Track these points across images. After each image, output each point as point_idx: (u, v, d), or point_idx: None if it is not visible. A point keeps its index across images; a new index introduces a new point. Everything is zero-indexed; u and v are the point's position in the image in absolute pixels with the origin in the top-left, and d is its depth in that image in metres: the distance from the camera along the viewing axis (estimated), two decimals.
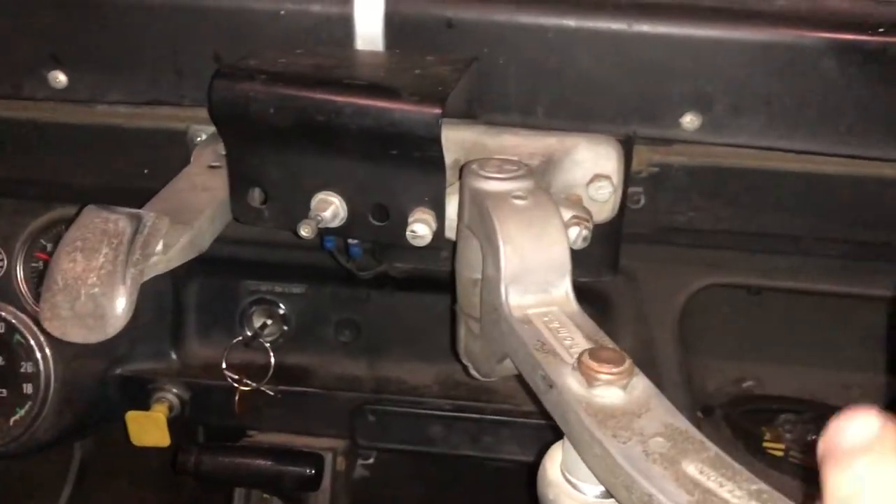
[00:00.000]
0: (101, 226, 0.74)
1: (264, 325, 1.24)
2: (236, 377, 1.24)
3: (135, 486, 1.39)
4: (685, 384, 1.16)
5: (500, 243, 0.69)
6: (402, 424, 1.22)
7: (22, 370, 1.23)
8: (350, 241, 0.99)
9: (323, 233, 0.85)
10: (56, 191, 1.13)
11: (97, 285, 0.71)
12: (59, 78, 0.97)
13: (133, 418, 1.24)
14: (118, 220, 0.75)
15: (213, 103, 0.82)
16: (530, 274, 0.69)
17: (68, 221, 1.14)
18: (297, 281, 1.22)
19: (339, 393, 1.24)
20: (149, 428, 1.23)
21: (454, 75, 0.83)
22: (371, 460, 1.47)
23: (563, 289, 0.69)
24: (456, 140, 0.87)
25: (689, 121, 0.88)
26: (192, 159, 0.97)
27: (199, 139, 1.04)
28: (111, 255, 0.72)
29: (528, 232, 0.70)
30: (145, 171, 1.08)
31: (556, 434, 0.59)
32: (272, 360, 1.24)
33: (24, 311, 1.23)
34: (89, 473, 1.36)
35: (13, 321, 1.23)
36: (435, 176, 0.80)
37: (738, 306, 1.24)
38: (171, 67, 0.97)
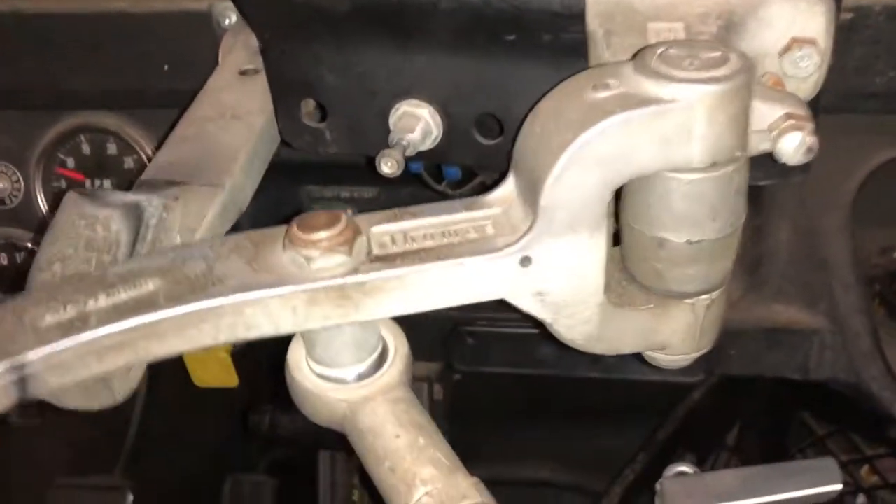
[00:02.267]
0: (86, 232, 0.50)
1: None
2: None
3: (197, 452, 1.23)
4: (857, 282, 0.91)
5: None
6: (505, 346, 1.05)
7: None
8: None
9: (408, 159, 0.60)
10: (64, 99, 0.94)
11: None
12: None
13: (192, 357, 1.06)
14: (108, 220, 0.51)
15: None
16: None
17: (89, 129, 0.95)
18: (367, 183, 1.00)
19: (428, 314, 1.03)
20: (211, 367, 1.06)
21: None
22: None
23: None
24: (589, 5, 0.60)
25: None
26: (219, 59, 0.72)
27: (226, 22, 0.78)
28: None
29: None
30: (165, 67, 0.84)
31: None
32: None
33: None
34: (147, 440, 1.21)
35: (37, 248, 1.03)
36: (573, 66, 0.54)
37: None
38: None
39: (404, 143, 0.57)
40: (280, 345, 0.51)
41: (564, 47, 0.52)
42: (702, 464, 1.17)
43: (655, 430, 1.11)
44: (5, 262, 1.05)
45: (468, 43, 0.55)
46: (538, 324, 0.51)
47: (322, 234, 0.46)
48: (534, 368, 1.04)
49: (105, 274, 0.47)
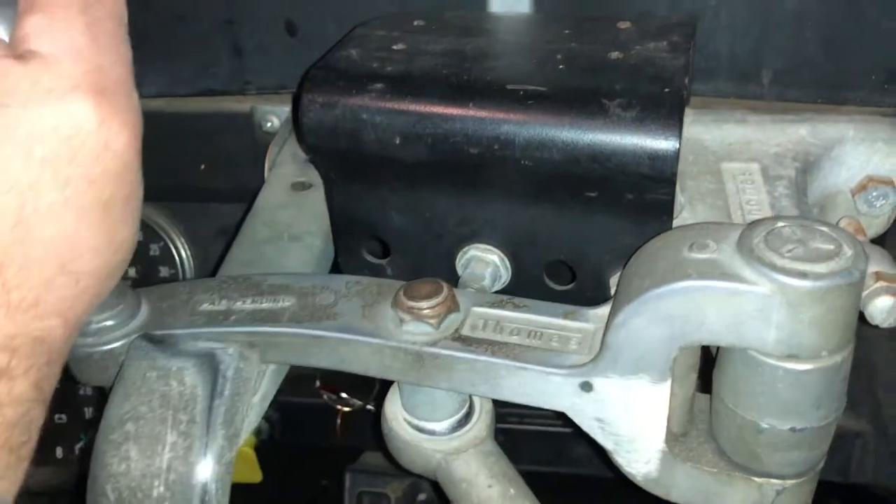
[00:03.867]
0: (159, 388, 0.48)
1: None
2: (333, 395, 1.00)
3: None
4: None
5: None
6: (538, 444, 0.99)
7: (80, 392, 1.04)
8: None
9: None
10: None
11: (167, 498, 0.46)
12: None
13: None
14: (182, 373, 0.49)
15: (305, 129, 0.54)
16: None
17: None
18: None
19: None
20: (235, 464, 1.02)
21: (676, 58, 0.53)
22: None
23: None
24: None
25: None
26: (266, 174, 0.70)
27: (268, 125, 0.76)
28: (182, 443, 0.46)
29: None
30: (202, 166, 0.82)
31: None
32: None
33: None
34: None
35: None
36: (656, 222, 0.52)
37: None
38: (228, 44, 0.71)
39: (475, 288, 0.55)
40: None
41: (647, 206, 0.50)
42: None
43: None
44: None
45: (545, 196, 0.53)
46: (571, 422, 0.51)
47: (419, 303, 0.50)
48: (568, 468, 1.00)
49: (262, 281, 0.55)
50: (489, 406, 0.57)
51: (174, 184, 0.85)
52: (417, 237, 0.58)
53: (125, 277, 0.99)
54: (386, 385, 0.99)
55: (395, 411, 0.57)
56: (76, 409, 1.02)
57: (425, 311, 0.49)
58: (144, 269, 0.95)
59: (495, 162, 0.51)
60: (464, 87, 0.52)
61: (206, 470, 0.46)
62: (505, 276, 0.57)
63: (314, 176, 0.69)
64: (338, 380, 1.01)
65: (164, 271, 0.95)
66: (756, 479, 0.48)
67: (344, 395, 1.00)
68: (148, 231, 0.93)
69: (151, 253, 0.95)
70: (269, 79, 0.73)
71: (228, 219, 0.93)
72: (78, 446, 1.05)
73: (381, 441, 0.59)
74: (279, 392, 1.03)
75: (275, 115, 0.77)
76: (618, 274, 0.54)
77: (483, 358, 0.48)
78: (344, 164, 0.56)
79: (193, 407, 0.48)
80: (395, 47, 0.57)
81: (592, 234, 0.54)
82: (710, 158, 0.59)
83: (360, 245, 0.60)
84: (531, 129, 0.50)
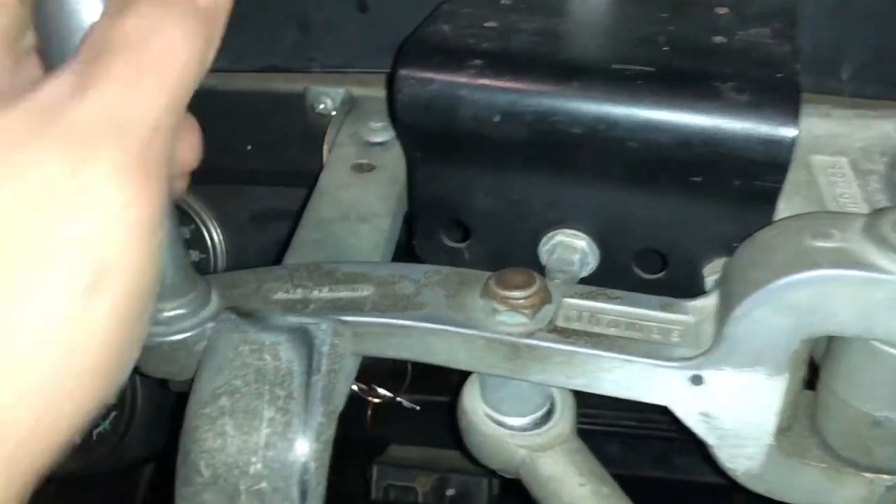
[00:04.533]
0: (254, 362, 0.46)
1: None
2: (364, 385, 0.98)
3: None
4: None
5: None
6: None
7: None
8: None
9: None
10: None
11: (264, 476, 0.44)
12: None
13: None
14: (276, 348, 0.47)
15: (399, 105, 0.52)
16: None
17: None
18: None
19: None
20: None
21: (781, 44, 0.52)
22: None
23: None
24: None
25: None
26: (325, 156, 0.68)
27: (320, 107, 0.74)
28: (280, 418, 0.44)
29: None
30: (248, 147, 0.79)
31: None
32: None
33: None
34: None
35: None
36: (760, 212, 0.51)
37: None
38: (294, 19, 0.69)
39: (562, 276, 0.54)
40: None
41: (754, 193, 0.49)
42: None
43: None
44: None
45: (646, 179, 0.51)
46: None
47: (513, 293, 0.48)
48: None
49: (335, 269, 0.53)
50: (571, 402, 0.56)
51: (212, 164, 0.83)
52: (501, 220, 0.56)
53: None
54: (419, 377, 0.98)
55: (474, 406, 0.55)
56: None
57: (520, 301, 0.48)
58: None
59: (598, 143, 0.50)
60: (567, 65, 0.51)
61: (305, 447, 0.45)
62: (592, 263, 0.56)
63: (375, 157, 0.68)
64: (369, 371, 0.99)
65: (193, 255, 0.92)
66: (866, 474, 0.47)
67: (375, 386, 0.99)
68: (179, 213, 0.91)
69: (182, 236, 0.93)
70: (334, 57, 0.71)
71: (262, 203, 0.91)
72: (96, 431, 1.02)
73: (457, 435, 0.57)
74: None
75: (328, 97, 0.75)
76: (712, 263, 0.53)
77: (586, 350, 0.47)
78: (434, 143, 0.54)
79: (290, 382, 0.46)
80: (486, 25, 0.56)
81: (690, 221, 0.52)
82: (800, 151, 0.58)
83: (439, 227, 0.59)
84: (641, 110, 0.48)
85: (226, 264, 0.92)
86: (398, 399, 0.99)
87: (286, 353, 0.47)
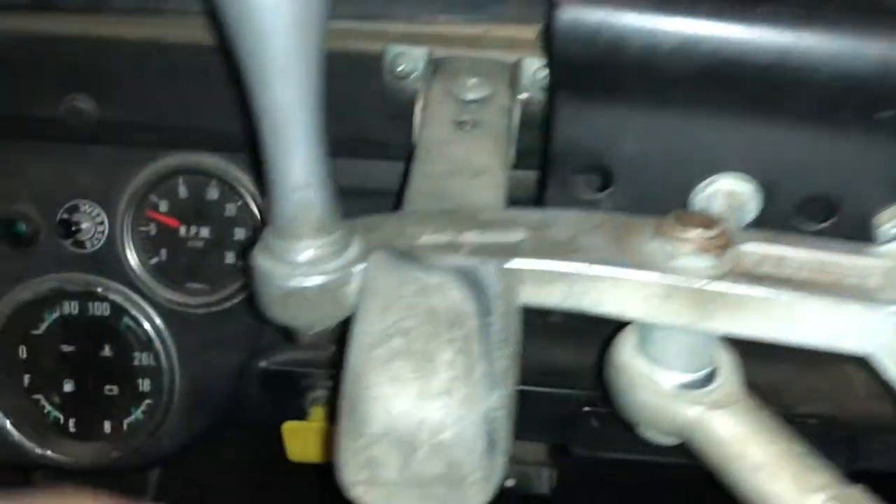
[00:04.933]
0: (423, 302, 0.42)
1: None
2: None
3: None
4: None
5: None
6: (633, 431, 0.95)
7: (136, 362, 0.94)
8: None
9: None
10: (179, 136, 0.83)
11: (446, 426, 0.40)
12: None
13: (292, 431, 0.94)
14: (444, 287, 0.42)
15: (559, 37, 0.48)
16: None
17: (189, 170, 0.84)
18: None
19: (550, 391, 0.94)
20: (311, 441, 0.94)
21: None
22: None
23: None
24: None
25: None
26: (419, 111, 0.65)
27: (399, 69, 0.70)
28: (462, 361, 0.40)
29: None
30: None
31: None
32: None
33: (133, 287, 0.92)
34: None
35: (120, 301, 0.92)
36: None
37: None
38: None
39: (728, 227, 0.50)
40: None
41: None
42: None
43: None
44: (76, 311, 0.93)
45: (826, 116, 0.48)
46: None
47: (697, 233, 0.44)
48: (662, 457, 0.96)
49: (477, 214, 0.49)
50: (734, 358, 0.52)
51: None
52: (652, 166, 0.53)
53: (197, 238, 0.92)
54: None
55: (633, 361, 0.50)
56: (129, 381, 0.93)
57: (706, 242, 0.44)
58: (219, 231, 0.88)
59: (782, 75, 0.46)
60: None
61: (490, 392, 0.40)
62: (754, 211, 0.52)
63: (474, 114, 0.64)
64: None
65: (239, 233, 0.87)
66: None
67: None
68: (224, 188, 0.85)
69: (227, 213, 0.87)
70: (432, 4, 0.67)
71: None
72: (127, 421, 0.96)
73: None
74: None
75: (408, 57, 0.71)
76: (888, 211, 0.50)
77: (787, 294, 0.43)
78: (591, 79, 0.50)
79: (466, 323, 0.41)
80: None
81: (869, 162, 0.49)
82: None
83: (575, 176, 0.55)
84: (838, 38, 0.45)
85: None
86: None
87: (456, 293, 0.42)
